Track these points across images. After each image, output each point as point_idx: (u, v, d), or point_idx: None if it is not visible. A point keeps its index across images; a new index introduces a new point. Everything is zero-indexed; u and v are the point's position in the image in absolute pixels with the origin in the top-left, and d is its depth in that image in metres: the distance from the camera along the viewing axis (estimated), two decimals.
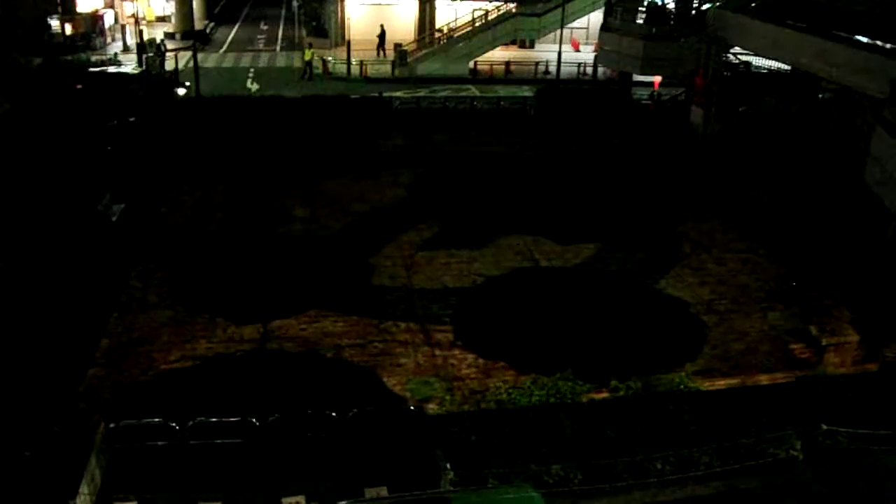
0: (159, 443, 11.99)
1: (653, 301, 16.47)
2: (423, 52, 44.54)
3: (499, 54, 45.57)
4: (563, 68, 38.74)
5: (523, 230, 19.20)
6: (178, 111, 29.47)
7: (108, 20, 48.35)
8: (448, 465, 11.72)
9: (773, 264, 18.53)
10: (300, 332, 14.91)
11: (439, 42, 45.35)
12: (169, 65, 39.88)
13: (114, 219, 20.77)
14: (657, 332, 15.58)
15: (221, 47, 50.43)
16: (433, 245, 18.19)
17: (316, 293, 15.99)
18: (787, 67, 28.75)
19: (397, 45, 43.22)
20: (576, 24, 46.92)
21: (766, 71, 30.21)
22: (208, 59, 44.55)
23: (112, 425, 12.04)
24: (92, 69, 37.10)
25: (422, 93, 36.97)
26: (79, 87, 32.31)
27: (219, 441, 12.06)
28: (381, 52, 44.82)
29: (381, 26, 45.70)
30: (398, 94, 36.13)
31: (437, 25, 47.56)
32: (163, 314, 15.45)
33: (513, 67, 44.04)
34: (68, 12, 44.73)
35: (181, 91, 33.52)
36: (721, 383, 14.83)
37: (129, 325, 15.18)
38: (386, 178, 22.84)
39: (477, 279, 16.81)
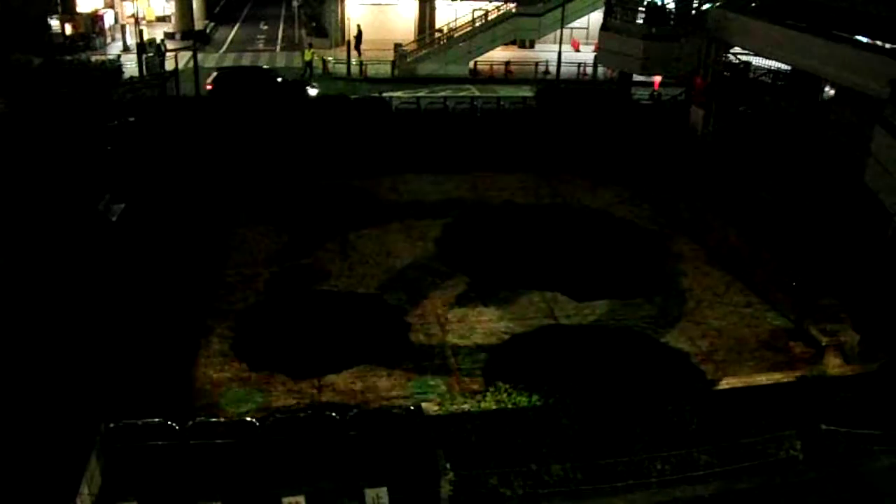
0: (159, 443, 12.01)
1: (658, 354, 17.26)
2: (423, 51, 44.58)
3: (499, 54, 45.59)
4: (563, 68, 38.75)
5: (542, 285, 19.93)
6: (310, 111, 29.21)
7: (108, 20, 48.38)
8: (448, 466, 11.75)
9: (774, 319, 18.77)
10: (350, 385, 15.52)
11: (439, 42, 45.38)
12: (169, 65, 39.86)
13: (114, 219, 20.81)
14: (660, 381, 15.94)
15: (221, 47, 50.45)
16: (463, 302, 19.11)
17: (361, 349, 16.90)
18: (786, 67, 28.78)
19: (397, 45, 43.24)
20: (576, 24, 46.93)
21: (766, 70, 30.23)
22: (208, 59, 44.51)
23: (112, 425, 12.07)
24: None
25: (422, 93, 36.98)
26: (208, 87, 33.24)
27: (219, 441, 12.09)
28: (358, 53, 44.30)
29: (358, 26, 45.36)
30: (398, 94, 36.16)
31: (437, 25, 47.61)
32: (228, 370, 15.98)
33: (513, 67, 44.03)
34: (68, 12, 44.76)
35: (313, 91, 33.41)
36: (721, 383, 14.90)
37: (198, 381, 15.60)
38: (412, 231, 23.17)
39: (504, 336, 17.56)
